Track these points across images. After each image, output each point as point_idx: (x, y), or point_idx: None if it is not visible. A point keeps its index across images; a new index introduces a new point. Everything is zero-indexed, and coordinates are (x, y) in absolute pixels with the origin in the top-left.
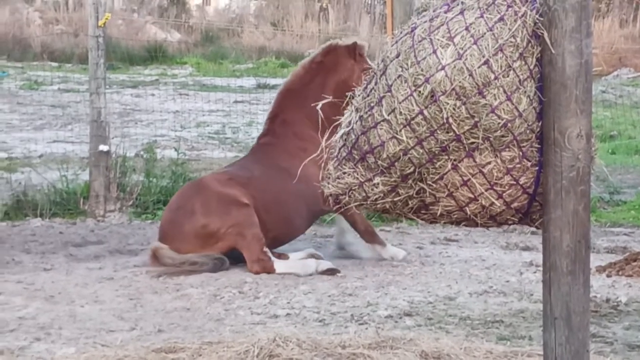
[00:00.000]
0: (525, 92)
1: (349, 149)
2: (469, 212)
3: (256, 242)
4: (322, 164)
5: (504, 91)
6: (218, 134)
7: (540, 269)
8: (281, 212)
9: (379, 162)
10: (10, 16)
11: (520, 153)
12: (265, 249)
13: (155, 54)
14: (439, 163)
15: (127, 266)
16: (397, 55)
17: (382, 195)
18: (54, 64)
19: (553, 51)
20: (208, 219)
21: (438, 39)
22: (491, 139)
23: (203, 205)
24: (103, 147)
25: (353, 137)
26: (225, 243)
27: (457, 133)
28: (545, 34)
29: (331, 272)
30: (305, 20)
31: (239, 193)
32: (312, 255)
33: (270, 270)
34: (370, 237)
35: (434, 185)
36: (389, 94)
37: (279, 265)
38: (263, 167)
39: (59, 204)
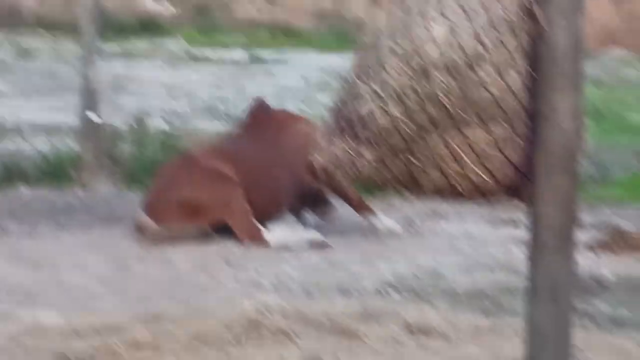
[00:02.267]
0: (516, 68)
1: (340, 121)
2: (457, 187)
3: (244, 214)
4: (311, 137)
5: (495, 67)
6: (209, 106)
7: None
8: (269, 187)
9: (369, 134)
10: None
11: (510, 129)
12: (254, 221)
13: (147, 26)
14: (428, 137)
15: (115, 235)
16: (389, 29)
17: (371, 167)
18: (46, 33)
19: (545, 27)
20: (195, 192)
21: (430, 14)
22: (481, 114)
23: (190, 178)
24: (93, 117)
25: (344, 110)
26: (213, 216)
27: (447, 107)
28: (537, 10)
29: (322, 245)
30: None
31: (226, 167)
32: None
33: (260, 240)
34: (363, 209)
35: (424, 159)
36: (380, 68)
37: (269, 235)
38: (253, 139)
39: (49, 172)
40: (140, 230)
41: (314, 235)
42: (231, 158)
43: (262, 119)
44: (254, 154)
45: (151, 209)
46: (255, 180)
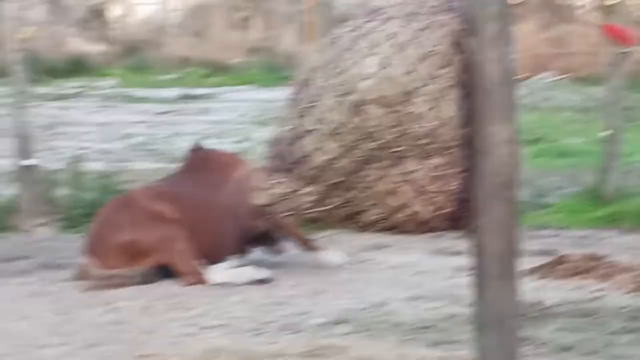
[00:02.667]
0: (450, 99)
1: (280, 160)
2: (398, 219)
3: (186, 256)
4: (251, 178)
5: (429, 99)
6: (144, 145)
7: (470, 273)
8: (211, 229)
9: (308, 172)
10: None
11: (447, 160)
12: (194, 261)
13: (78, 66)
14: (366, 172)
15: (56, 280)
16: (323, 66)
17: (312, 204)
18: None
19: (476, 59)
20: (135, 235)
21: (362, 49)
22: (417, 146)
23: (130, 220)
24: (29, 162)
25: (283, 147)
26: (154, 258)
27: (383, 141)
28: (468, 42)
29: (265, 281)
30: (228, 30)
31: (167, 208)
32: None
33: (202, 281)
34: (307, 245)
35: (363, 194)
36: (315, 104)
37: (211, 275)
38: (193, 182)
39: None
40: (83, 275)
41: (257, 272)
42: (170, 198)
43: (201, 161)
44: (193, 196)
45: (93, 253)
46: (196, 221)
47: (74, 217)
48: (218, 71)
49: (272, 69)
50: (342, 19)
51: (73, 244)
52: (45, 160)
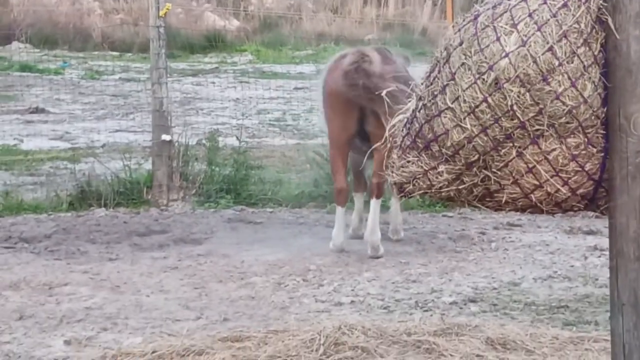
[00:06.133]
0: (590, 78)
1: (413, 137)
2: (534, 199)
3: None
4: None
5: (569, 77)
6: (279, 121)
7: (605, 253)
8: None
9: (443, 150)
10: (71, 6)
11: (586, 139)
12: None
13: (214, 42)
14: (503, 150)
15: (191, 255)
16: (460, 43)
17: (446, 183)
18: (115, 54)
19: (617, 37)
20: None
21: (501, 26)
22: (556, 125)
23: None
24: (165, 137)
25: (417, 125)
26: None
27: (522, 120)
28: (610, 20)
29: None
30: (364, 6)
31: None
32: None
33: None
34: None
35: (499, 172)
36: (453, 82)
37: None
38: None
39: (123, 193)
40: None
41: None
42: None
43: None
44: None
45: None
46: None
47: (209, 193)
48: (353, 46)
49: (408, 45)
50: None
51: (208, 219)
52: (182, 135)
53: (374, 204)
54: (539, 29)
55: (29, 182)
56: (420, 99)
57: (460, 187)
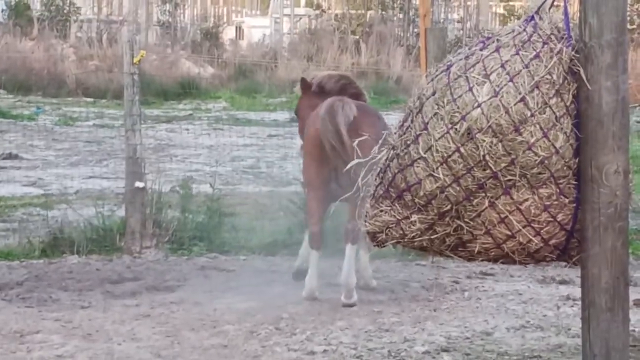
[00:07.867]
0: (562, 128)
1: (386, 187)
2: (506, 249)
3: None
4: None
5: (541, 128)
6: (252, 169)
7: (578, 302)
8: None
9: (416, 199)
10: (45, 52)
11: (558, 190)
12: None
13: (188, 89)
14: (476, 200)
15: (164, 303)
16: (433, 93)
17: (419, 232)
18: (89, 100)
19: (589, 87)
20: None
21: (474, 77)
22: (528, 176)
23: None
24: (139, 184)
25: (389, 175)
26: None
27: (494, 170)
28: (582, 71)
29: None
30: (339, 54)
31: None
32: None
33: None
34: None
35: (471, 222)
36: (425, 131)
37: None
38: None
39: (95, 240)
40: None
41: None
42: None
43: None
44: None
45: None
46: None
47: (182, 240)
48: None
49: (382, 93)
50: (454, 45)
51: (181, 266)
52: (155, 182)
53: (349, 250)
54: (511, 80)
55: (1, 228)
56: (393, 148)
57: (432, 236)
